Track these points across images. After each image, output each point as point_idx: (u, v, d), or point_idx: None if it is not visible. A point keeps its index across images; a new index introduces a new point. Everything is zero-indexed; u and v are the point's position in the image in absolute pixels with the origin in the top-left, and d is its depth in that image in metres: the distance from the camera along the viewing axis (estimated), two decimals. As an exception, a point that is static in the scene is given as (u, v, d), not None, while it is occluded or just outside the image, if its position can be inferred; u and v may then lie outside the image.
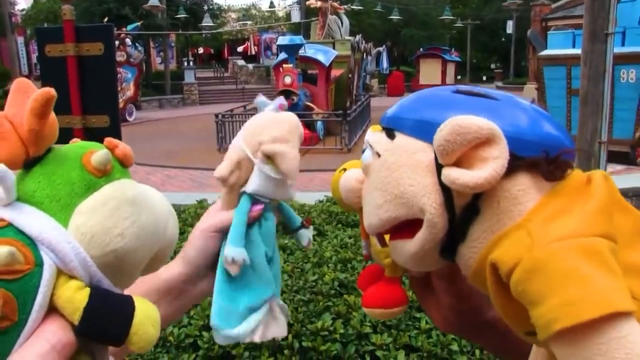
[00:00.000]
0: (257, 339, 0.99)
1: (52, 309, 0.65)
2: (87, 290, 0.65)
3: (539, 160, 0.71)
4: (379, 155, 0.81)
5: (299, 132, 1.05)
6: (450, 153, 0.70)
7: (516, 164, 0.70)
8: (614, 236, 0.66)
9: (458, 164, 0.71)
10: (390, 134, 0.81)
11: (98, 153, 0.70)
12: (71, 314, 0.64)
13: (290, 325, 2.68)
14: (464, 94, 0.80)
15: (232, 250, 0.97)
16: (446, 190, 0.73)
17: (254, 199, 1.02)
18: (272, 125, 1.03)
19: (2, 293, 0.59)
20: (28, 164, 0.69)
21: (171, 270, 1.02)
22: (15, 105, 0.69)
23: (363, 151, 0.85)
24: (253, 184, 1.01)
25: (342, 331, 2.63)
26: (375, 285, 0.95)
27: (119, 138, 3.27)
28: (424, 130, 0.76)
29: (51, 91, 0.68)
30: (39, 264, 0.63)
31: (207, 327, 2.73)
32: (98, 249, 0.66)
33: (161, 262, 0.82)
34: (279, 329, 1.03)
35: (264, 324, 1.01)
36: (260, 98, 1.11)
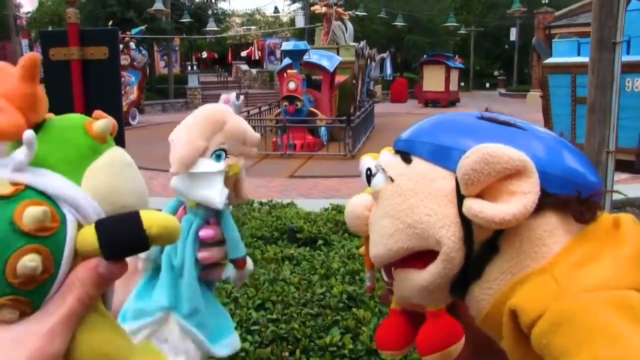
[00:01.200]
0: None
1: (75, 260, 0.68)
2: (92, 227, 0.68)
3: (570, 199, 0.66)
4: (392, 180, 0.75)
5: (208, 122, 0.95)
6: (476, 183, 0.64)
7: (545, 202, 0.64)
8: None
9: (481, 195, 0.66)
10: (406, 158, 0.75)
11: (101, 121, 0.75)
12: (92, 253, 0.67)
13: (298, 340, 2.62)
14: (489, 120, 0.74)
15: None
16: (466, 223, 0.67)
17: (181, 201, 0.97)
18: (190, 114, 0.99)
19: (42, 249, 0.64)
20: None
21: None
22: (1, 85, 0.71)
23: (371, 175, 0.80)
24: (173, 179, 0.97)
25: (351, 346, 2.57)
26: (386, 322, 0.85)
27: (123, 143, 3.21)
28: (445, 157, 0.70)
29: (35, 54, 0.70)
30: (62, 221, 0.67)
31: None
32: (109, 206, 0.70)
33: None
34: (167, 353, 0.91)
35: (147, 335, 0.91)
36: (223, 94, 1.05)
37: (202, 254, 0.94)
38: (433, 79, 33.78)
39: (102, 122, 0.75)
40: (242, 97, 1.02)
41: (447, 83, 34.36)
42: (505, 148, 0.64)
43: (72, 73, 4.66)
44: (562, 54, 13.46)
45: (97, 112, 0.79)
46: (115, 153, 0.75)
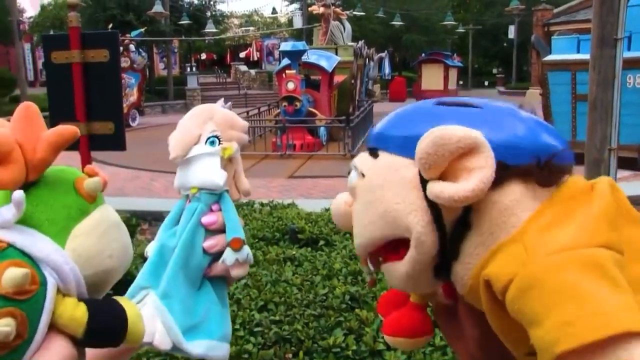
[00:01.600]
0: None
1: (50, 326, 0.67)
2: (83, 305, 0.69)
3: (530, 167, 0.67)
4: (363, 176, 0.77)
5: (199, 114, 0.99)
6: (433, 166, 0.66)
7: (506, 173, 0.66)
8: (620, 246, 0.61)
9: (444, 177, 0.67)
10: (374, 153, 0.78)
11: (91, 180, 0.74)
12: (75, 330, 0.67)
13: (301, 342, 2.62)
14: (446, 105, 0.76)
15: (148, 246, 0.98)
16: (434, 207, 0.69)
17: (185, 198, 0.99)
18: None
19: (18, 313, 0.62)
20: (23, 188, 0.71)
21: None
22: (25, 130, 0.71)
23: (348, 173, 0.82)
24: (174, 179, 1.00)
25: (354, 348, 2.57)
26: (399, 311, 0.88)
27: (123, 145, 3.25)
28: (407, 147, 0.72)
29: (77, 131, 0.73)
30: (43, 283, 0.66)
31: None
32: (91, 269, 0.71)
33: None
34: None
35: None
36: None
37: (208, 242, 0.94)
38: (431, 78, 33.79)
39: (93, 181, 0.74)
40: (229, 102, 1.05)
41: (446, 82, 34.34)
42: (455, 128, 0.65)
43: (74, 76, 4.68)
44: (562, 51, 13.44)
45: (89, 168, 0.78)
46: (101, 214, 0.75)
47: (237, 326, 2.72)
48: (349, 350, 2.56)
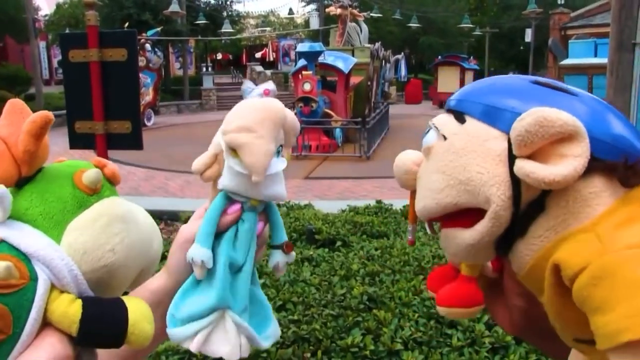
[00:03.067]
0: (192, 348, 0.90)
1: (47, 323, 0.67)
2: (79, 301, 0.67)
3: (617, 164, 0.69)
4: (445, 138, 0.78)
5: (274, 122, 0.90)
6: (529, 144, 0.67)
7: (593, 165, 0.67)
8: None
9: (532, 157, 0.68)
10: (460, 118, 0.78)
11: (89, 172, 0.73)
12: (68, 327, 0.66)
13: (319, 341, 2.62)
14: (543, 85, 0.77)
15: (193, 250, 0.89)
16: (515, 183, 0.70)
17: (230, 198, 0.94)
18: (243, 113, 0.91)
19: (0, 307, 0.61)
20: (20, 183, 0.71)
21: (157, 282, 0.96)
22: (9, 126, 0.71)
23: (426, 132, 0.82)
24: (223, 179, 0.93)
25: (372, 348, 2.56)
26: (451, 284, 0.89)
27: (140, 144, 3.27)
28: (499, 118, 0.73)
29: (49, 115, 0.70)
30: (34, 278, 0.65)
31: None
32: (90, 265, 0.68)
33: (145, 278, 0.84)
34: (224, 347, 0.90)
35: (206, 334, 0.90)
36: (246, 84, 1.02)
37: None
38: (448, 80, 33.65)
39: (91, 173, 0.72)
40: (274, 84, 1.01)
41: (462, 84, 34.17)
42: (560, 112, 0.66)
43: (91, 75, 4.70)
44: (579, 55, 13.41)
45: (97, 160, 0.77)
46: (104, 206, 0.72)
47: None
48: (366, 350, 2.55)
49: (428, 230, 0.86)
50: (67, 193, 0.71)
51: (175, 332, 0.91)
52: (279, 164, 0.93)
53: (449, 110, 0.81)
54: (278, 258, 0.97)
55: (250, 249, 0.94)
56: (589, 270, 0.61)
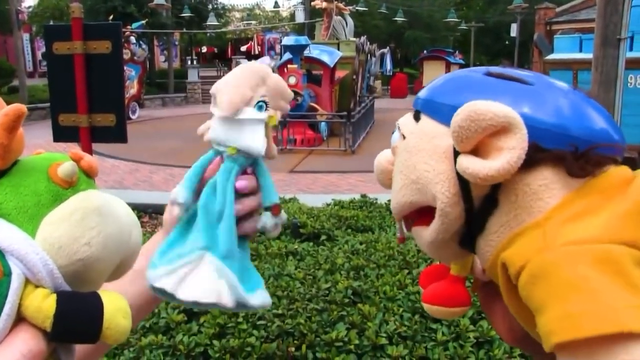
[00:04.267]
0: (167, 286, 0.89)
1: (21, 319, 0.66)
2: (54, 296, 0.66)
3: (564, 154, 0.66)
4: (404, 137, 0.78)
5: (252, 72, 0.96)
6: (465, 140, 0.66)
7: (539, 157, 0.65)
8: None
9: (476, 152, 0.67)
10: (417, 116, 0.78)
11: (64, 165, 0.71)
12: (42, 322, 0.65)
13: (303, 335, 2.62)
14: (495, 76, 0.74)
15: (173, 190, 0.96)
16: (463, 180, 0.69)
17: (218, 153, 0.98)
18: (230, 72, 0.99)
19: None
20: None
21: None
22: None
23: (393, 132, 0.83)
24: (210, 130, 0.97)
25: (357, 342, 2.57)
26: (438, 282, 0.89)
27: (125, 137, 3.24)
28: (447, 115, 0.71)
29: (22, 107, 0.69)
30: (7, 273, 0.64)
31: (218, 336, 2.67)
32: (65, 259, 0.67)
33: (124, 271, 0.81)
34: (198, 291, 0.89)
35: (182, 275, 0.90)
36: (260, 60, 1.06)
37: (235, 207, 0.94)
38: (433, 75, 33.58)
39: (66, 166, 0.71)
40: (274, 60, 1.03)
41: (447, 79, 34.26)
42: (492, 105, 0.64)
43: (75, 67, 4.66)
44: (564, 50, 13.46)
45: (73, 152, 0.76)
46: (79, 199, 0.71)
47: (240, 319, 2.71)
48: (351, 345, 2.56)
49: (404, 230, 0.85)
50: (42, 187, 0.70)
51: (152, 273, 0.91)
52: (255, 113, 0.94)
53: (414, 110, 0.81)
54: (265, 220, 0.97)
55: (226, 195, 0.94)
56: (528, 269, 0.60)
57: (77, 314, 0.66)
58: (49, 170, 0.72)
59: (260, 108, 0.95)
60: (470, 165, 0.65)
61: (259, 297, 0.94)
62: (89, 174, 0.76)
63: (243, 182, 0.95)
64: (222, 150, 0.96)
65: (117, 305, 0.70)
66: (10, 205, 0.68)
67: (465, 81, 0.76)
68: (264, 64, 1.00)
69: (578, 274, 0.56)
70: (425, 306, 0.88)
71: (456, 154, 0.69)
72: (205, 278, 0.89)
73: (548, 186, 0.66)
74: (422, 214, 0.75)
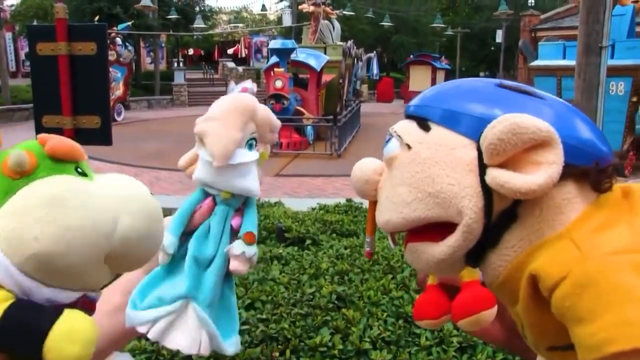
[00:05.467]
0: (150, 335, 0.89)
1: None
2: (8, 304, 0.62)
3: (589, 169, 0.67)
4: (409, 147, 0.73)
5: (240, 112, 0.92)
6: (501, 153, 0.65)
7: (565, 171, 0.65)
8: None
9: (503, 165, 0.66)
10: (424, 125, 0.74)
11: (11, 154, 0.66)
12: None
13: (287, 340, 2.61)
14: (508, 89, 0.74)
15: (164, 240, 0.90)
16: (486, 194, 0.67)
17: (206, 193, 0.95)
18: (214, 106, 0.94)
19: None
20: None
21: None
22: None
23: (387, 141, 0.78)
24: (196, 170, 0.94)
25: (340, 347, 2.56)
26: (420, 296, 0.87)
27: (110, 139, 3.17)
28: (465, 124, 0.70)
29: None
30: None
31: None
32: (18, 256, 0.63)
33: (126, 263, 0.74)
34: (183, 339, 0.89)
35: (167, 323, 0.90)
36: (231, 85, 1.03)
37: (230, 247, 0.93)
38: (419, 79, 33.81)
39: (12, 155, 0.66)
40: (254, 84, 1.00)
41: (433, 83, 34.28)
42: (533, 119, 0.64)
43: (60, 68, 4.62)
44: (548, 57, 13.59)
45: (41, 136, 0.72)
46: (29, 190, 0.66)
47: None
48: (335, 350, 2.55)
49: (390, 243, 0.82)
50: None
51: (135, 315, 0.90)
52: (247, 155, 0.92)
53: (410, 117, 0.77)
54: (235, 244, 0.93)
55: (221, 243, 0.92)
56: (571, 279, 0.59)
57: (20, 327, 0.62)
58: (2, 163, 0.67)
59: (250, 147, 0.93)
60: (510, 179, 0.64)
61: (234, 345, 0.93)
62: (58, 157, 0.70)
63: (239, 220, 0.94)
64: (213, 192, 0.94)
65: (71, 328, 0.64)
66: None
67: (483, 91, 0.74)
68: (248, 95, 0.97)
69: (627, 283, 0.56)
70: (418, 323, 0.86)
71: (481, 166, 0.67)
72: (189, 330, 0.89)
73: (570, 200, 0.66)
74: (427, 229, 0.72)
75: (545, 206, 0.66)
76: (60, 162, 0.70)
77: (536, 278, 0.63)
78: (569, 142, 0.66)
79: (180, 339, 0.89)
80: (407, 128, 0.76)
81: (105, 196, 0.69)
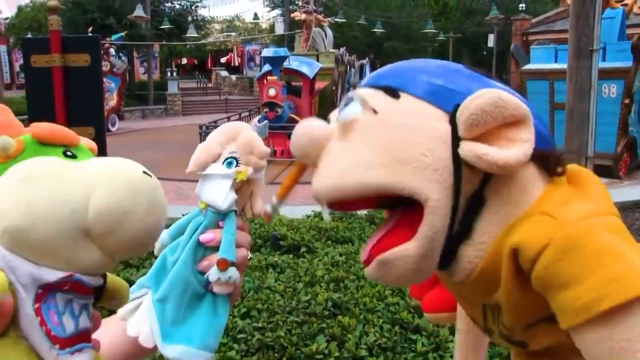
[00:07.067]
0: (119, 314, 0.95)
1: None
2: None
3: (550, 154, 0.70)
4: (375, 112, 0.70)
5: (224, 131, 1.00)
6: (481, 125, 0.64)
7: (531, 153, 0.66)
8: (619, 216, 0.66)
9: (476, 141, 0.66)
10: (393, 93, 0.71)
11: None
12: None
13: (284, 348, 2.62)
14: (472, 70, 0.75)
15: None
16: (457, 171, 0.66)
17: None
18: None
19: None
20: None
21: None
22: None
23: (345, 104, 0.74)
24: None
25: (337, 354, 2.58)
26: (435, 290, 0.89)
27: (104, 150, 3.15)
28: (441, 96, 0.69)
29: None
30: None
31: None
32: None
33: (128, 241, 0.71)
34: (131, 324, 0.93)
35: (133, 306, 0.95)
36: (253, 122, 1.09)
37: (202, 264, 0.94)
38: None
39: None
40: (265, 121, 1.06)
41: (426, 89, 34.37)
42: (511, 95, 0.65)
43: (54, 80, 4.62)
44: (540, 61, 13.62)
45: (33, 124, 0.73)
46: (9, 170, 0.68)
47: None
48: (331, 357, 2.56)
49: (325, 214, 0.78)
50: None
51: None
52: (219, 169, 0.96)
53: (374, 86, 0.74)
54: (211, 271, 0.92)
55: (184, 250, 0.95)
56: (553, 246, 0.60)
57: None
58: None
59: (229, 165, 0.96)
60: (488, 151, 0.63)
61: (175, 353, 0.91)
62: (45, 141, 0.72)
63: (207, 236, 0.95)
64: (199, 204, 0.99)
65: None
66: None
67: (457, 69, 0.74)
68: (243, 123, 1.03)
69: (606, 242, 0.59)
70: (428, 316, 0.88)
71: (454, 140, 0.66)
72: (139, 315, 0.94)
73: (533, 182, 0.68)
74: (391, 231, 0.70)
75: (513, 186, 0.67)
76: (46, 145, 0.72)
77: (517, 252, 0.63)
78: (536, 127, 0.67)
79: (131, 321, 0.94)
80: (372, 94, 0.73)
81: (83, 172, 0.70)
